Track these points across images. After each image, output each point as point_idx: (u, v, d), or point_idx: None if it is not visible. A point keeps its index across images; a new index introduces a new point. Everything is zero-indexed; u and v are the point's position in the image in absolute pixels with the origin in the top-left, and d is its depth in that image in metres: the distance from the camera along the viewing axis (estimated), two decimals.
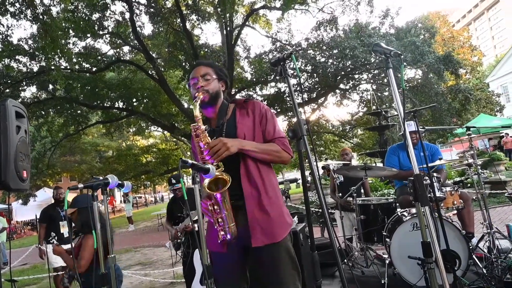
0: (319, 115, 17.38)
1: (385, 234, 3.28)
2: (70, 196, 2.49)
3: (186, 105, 13.61)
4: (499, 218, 6.04)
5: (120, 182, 2.00)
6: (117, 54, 13.53)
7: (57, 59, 9.86)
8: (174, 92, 13.46)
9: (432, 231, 1.55)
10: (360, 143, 19.06)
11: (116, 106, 14.35)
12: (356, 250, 3.97)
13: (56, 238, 4.51)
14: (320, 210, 6.51)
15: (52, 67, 9.52)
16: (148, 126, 18.38)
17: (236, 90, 13.93)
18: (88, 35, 11.20)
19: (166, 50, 12.77)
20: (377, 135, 12.26)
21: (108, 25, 11.68)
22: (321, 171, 8.79)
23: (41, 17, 8.85)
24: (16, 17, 8.78)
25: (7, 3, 8.48)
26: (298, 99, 11.49)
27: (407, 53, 11.03)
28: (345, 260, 3.67)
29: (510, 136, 16.82)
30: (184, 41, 12.02)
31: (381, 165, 7.75)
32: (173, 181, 3.81)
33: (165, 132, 19.89)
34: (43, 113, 12.85)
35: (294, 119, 1.46)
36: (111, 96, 13.88)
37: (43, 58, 10.04)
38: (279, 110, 14.04)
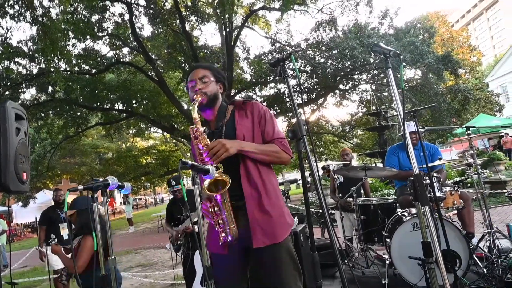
0: (318, 115, 17.42)
1: (386, 234, 3.27)
2: (70, 198, 2.48)
3: (185, 106, 13.62)
4: (499, 218, 6.03)
5: (120, 183, 2.00)
6: (116, 55, 13.54)
7: (57, 61, 9.87)
8: (173, 94, 13.47)
9: (432, 231, 1.55)
10: (360, 144, 19.06)
11: (115, 107, 14.35)
12: (356, 251, 3.97)
13: (56, 240, 4.51)
14: (320, 211, 6.50)
15: (52, 69, 9.53)
16: (148, 128, 18.38)
17: (236, 91, 13.94)
18: (88, 36, 11.23)
19: (165, 51, 12.79)
20: (376, 135, 12.27)
21: (107, 26, 11.71)
22: (321, 172, 8.79)
23: (40, 19, 8.86)
24: (16, 19, 8.78)
25: (6, 6, 8.48)
26: (297, 99, 11.49)
27: (406, 53, 11.05)
28: (346, 261, 3.66)
29: (510, 136, 16.84)
30: (184, 42, 12.03)
31: (381, 165, 7.76)
32: (173, 182, 3.81)
33: (165, 133, 19.90)
34: (42, 115, 12.87)
35: (294, 120, 1.45)
36: (111, 98, 13.88)
37: (42, 60, 10.04)
38: (278, 111, 14.05)
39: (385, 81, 12.98)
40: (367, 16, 20.04)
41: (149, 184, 23.29)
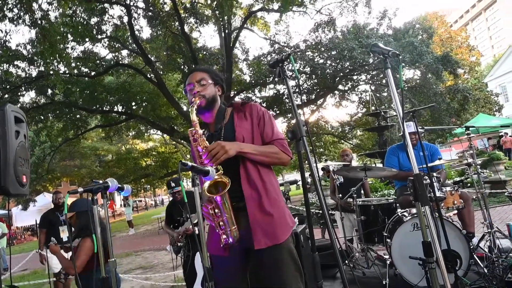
0: (318, 116, 17.45)
1: (386, 234, 3.27)
2: (70, 200, 2.48)
3: (185, 108, 13.62)
4: (500, 217, 6.04)
5: (120, 185, 2.00)
6: (115, 58, 13.53)
7: (56, 64, 9.85)
8: (173, 95, 13.48)
9: (432, 231, 1.55)
10: (360, 144, 19.06)
11: (115, 110, 14.36)
12: (357, 251, 3.96)
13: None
14: (320, 211, 6.50)
15: (51, 72, 9.52)
16: (148, 130, 18.38)
17: (235, 92, 13.94)
18: (87, 39, 11.23)
19: (164, 53, 12.78)
20: (376, 135, 12.27)
21: (106, 29, 11.72)
22: (320, 172, 8.77)
23: (39, 22, 8.85)
24: (15, 22, 8.76)
25: (5, 9, 8.48)
26: (297, 100, 11.46)
27: (405, 54, 11.07)
28: (346, 261, 3.66)
29: (510, 136, 16.85)
30: (183, 44, 12.03)
31: (380, 165, 7.76)
32: (172, 184, 3.80)
33: (165, 135, 19.88)
34: (42, 118, 12.85)
35: (294, 121, 1.46)
36: (110, 100, 13.88)
37: (41, 63, 10.03)
38: (278, 112, 14.05)
39: (384, 81, 13.00)
40: (365, 16, 20.05)
41: (149, 186, 23.29)
